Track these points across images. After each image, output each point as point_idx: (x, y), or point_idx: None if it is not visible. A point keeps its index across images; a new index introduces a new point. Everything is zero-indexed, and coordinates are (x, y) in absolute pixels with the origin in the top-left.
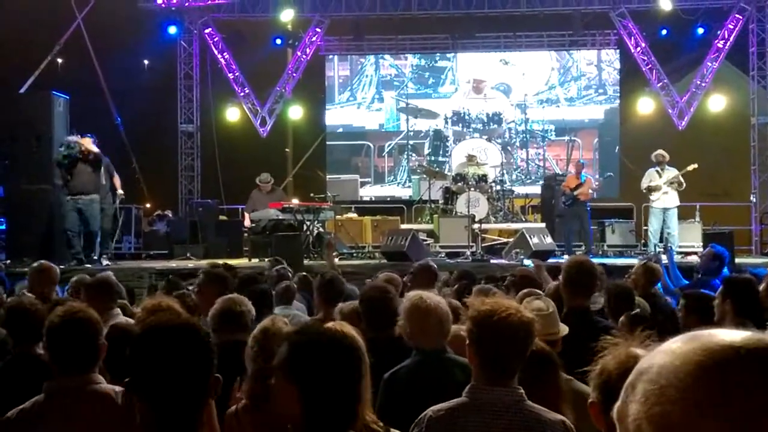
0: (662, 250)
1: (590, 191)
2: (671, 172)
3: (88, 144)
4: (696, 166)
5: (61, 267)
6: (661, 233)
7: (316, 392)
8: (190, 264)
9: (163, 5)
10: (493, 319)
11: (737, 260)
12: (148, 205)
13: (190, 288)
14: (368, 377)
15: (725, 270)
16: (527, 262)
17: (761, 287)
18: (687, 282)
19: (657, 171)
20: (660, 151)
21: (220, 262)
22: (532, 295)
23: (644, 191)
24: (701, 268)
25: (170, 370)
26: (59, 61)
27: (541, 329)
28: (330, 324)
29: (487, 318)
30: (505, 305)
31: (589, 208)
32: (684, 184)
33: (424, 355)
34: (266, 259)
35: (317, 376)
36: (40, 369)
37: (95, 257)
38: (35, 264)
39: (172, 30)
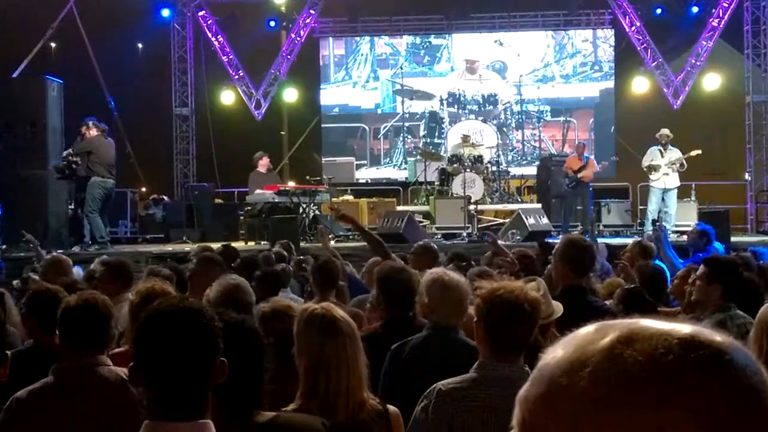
0: (655, 228)
1: (592, 173)
2: (674, 153)
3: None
4: (699, 152)
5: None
6: (659, 213)
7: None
8: (187, 248)
9: None
10: (501, 296)
11: (733, 239)
12: (143, 189)
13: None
14: (362, 357)
15: (716, 245)
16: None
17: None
18: (681, 260)
19: (659, 150)
20: (664, 131)
21: (215, 246)
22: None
23: (644, 169)
24: (689, 246)
25: (176, 353)
26: (52, 45)
27: None
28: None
29: (496, 296)
30: (511, 285)
31: (591, 190)
32: (686, 167)
33: (436, 330)
34: (278, 243)
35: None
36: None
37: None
38: (48, 256)
39: (166, 13)
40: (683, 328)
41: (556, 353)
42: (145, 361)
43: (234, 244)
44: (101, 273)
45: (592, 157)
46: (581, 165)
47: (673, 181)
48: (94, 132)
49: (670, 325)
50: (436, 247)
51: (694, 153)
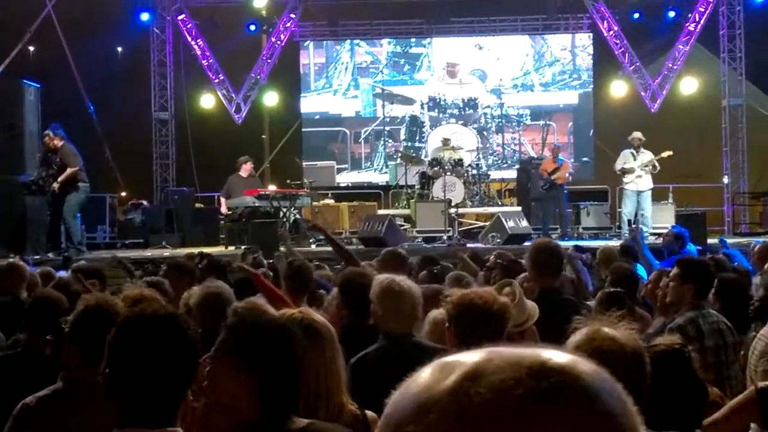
0: (632, 229)
1: (567, 175)
2: (646, 156)
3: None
4: (671, 153)
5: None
6: (636, 216)
7: (273, 379)
8: (166, 253)
9: None
10: (470, 301)
11: (710, 240)
12: (122, 194)
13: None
14: (340, 360)
15: (690, 247)
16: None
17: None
18: (658, 263)
19: (632, 153)
20: (636, 134)
21: (196, 251)
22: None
23: (618, 172)
24: (665, 248)
25: (151, 360)
26: (31, 49)
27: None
28: (295, 311)
29: (465, 301)
30: (481, 291)
31: (566, 191)
32: (658, 168)
33: (392, 339)
34: (242, 247)
35: (275, 362)
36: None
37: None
38: (4, 263)
39: (145, 17)
40: (535, 354)
41: (403, 397)
42: (120, 368)
43: (214, 249)
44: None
45: (571, 160)
46: (555, 167)
47: (646, 183)
48: (59, 141)
49: (522, 351)
50: (404, 252)
51: (665, 154)
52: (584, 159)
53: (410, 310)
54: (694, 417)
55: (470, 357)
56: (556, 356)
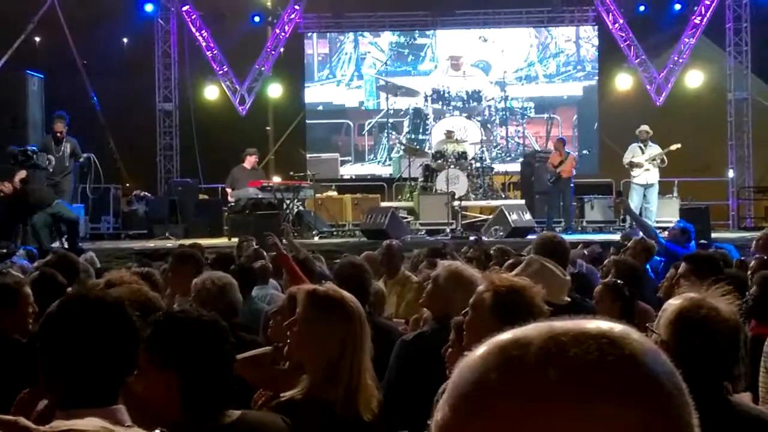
0: (620, 200)
1: (572, 168)
2: (654, 149)
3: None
4: (679, 146)
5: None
6: (641, 209)
7: (196, 377)
8: (169, 244)
9: None
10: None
11: (714, 235)
12: (126, 185)
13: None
14: (367, 341)
15: (692, 243)
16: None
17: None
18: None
19: (639, 147)
20: (644, 127)
21: (188, 242)
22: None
23: (626, 166)
24: (669, 241)
25: (83, 341)
26: (36, 39)
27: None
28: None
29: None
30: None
31: (572, 185)
32: (666, 162)
33: (447, 322)
34: (242, 237)
35: (197, 360)
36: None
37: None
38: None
39: (149, 8)
40: (599, 323)
41: (486, 352)
42: (54, 348)
43: (218, 241)
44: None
45: (574, 153)
46: (560, 160)
47: (654, 176)
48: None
49: (582, 321)
50: (399, 244)
51: (673, 147)
52: (584, 151)
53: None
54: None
55: (538, 325)
56: (615, 327)
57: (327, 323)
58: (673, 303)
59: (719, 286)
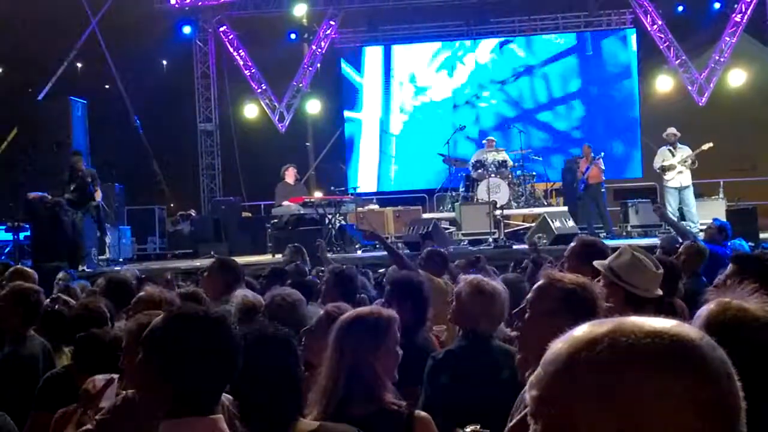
0: (657, 206)
1: (600, 173)
2: (685, 151)
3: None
4: (711, 145)
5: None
6: (681, 212)
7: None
8: None
9: (176, 5)
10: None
11: (762, 235)
12: (171, 206)
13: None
14: (393, 356)
15: (735, 242)
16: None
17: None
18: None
19: (669, 150)
20: (671, 130)
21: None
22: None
23: (657, 170)
24: (706, 241)
25: (198, 355)
26: (78, 65)
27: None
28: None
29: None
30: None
31: (604, 189)
32: (697, 163)
33: (474, 338)
34: (287, 248)
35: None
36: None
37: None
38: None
39: (187, 30)
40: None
41: (573, 337)
42: (166, 361)
43: (261, 258)
44: (102, 288)
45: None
46: (587, 166)
47: (687, 178)
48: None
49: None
50: (444, 251)
51: (705, 147)
52: (599, 155)
53: (499, 311)
54: None
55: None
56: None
57: None
58: (704, 309)
59: (747, 285)
